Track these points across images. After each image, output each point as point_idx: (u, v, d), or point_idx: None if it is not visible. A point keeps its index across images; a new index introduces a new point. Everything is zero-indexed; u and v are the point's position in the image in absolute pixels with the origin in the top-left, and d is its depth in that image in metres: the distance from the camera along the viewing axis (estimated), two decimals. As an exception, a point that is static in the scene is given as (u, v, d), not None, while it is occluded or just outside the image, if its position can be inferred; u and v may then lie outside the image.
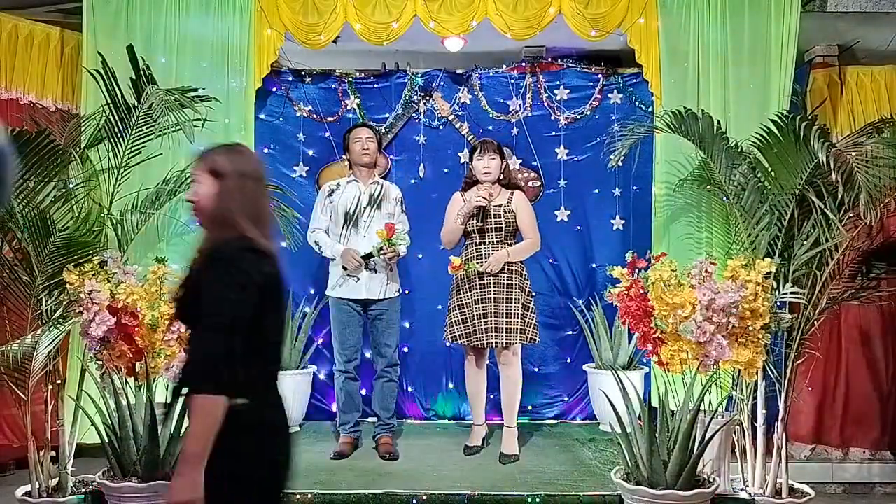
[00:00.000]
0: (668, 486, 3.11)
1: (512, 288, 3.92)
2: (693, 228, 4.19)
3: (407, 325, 4.93)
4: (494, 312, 3.90)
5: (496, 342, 3.90)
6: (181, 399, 1.94)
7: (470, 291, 3.96)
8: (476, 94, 5.03)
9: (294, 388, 4.62)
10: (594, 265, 5.02)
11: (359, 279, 4.05)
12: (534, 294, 4.12)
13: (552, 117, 5.01)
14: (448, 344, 4.19)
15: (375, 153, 4.21)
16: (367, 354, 4.47)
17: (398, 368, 4.22)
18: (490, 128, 4.98)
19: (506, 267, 3.93)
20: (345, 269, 4.06)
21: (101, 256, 3.44)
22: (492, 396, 4.34)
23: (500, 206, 3.98)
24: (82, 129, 3.81)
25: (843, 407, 4.47)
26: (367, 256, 4.01)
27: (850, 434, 4.47)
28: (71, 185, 3.65)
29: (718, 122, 3.82)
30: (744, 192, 3.67)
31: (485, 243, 3.97)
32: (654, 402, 3.36)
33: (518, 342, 3.94)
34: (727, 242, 3.99)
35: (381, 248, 3.95)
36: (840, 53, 4.74)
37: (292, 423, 4.56)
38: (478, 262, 3.92)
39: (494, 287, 3.91)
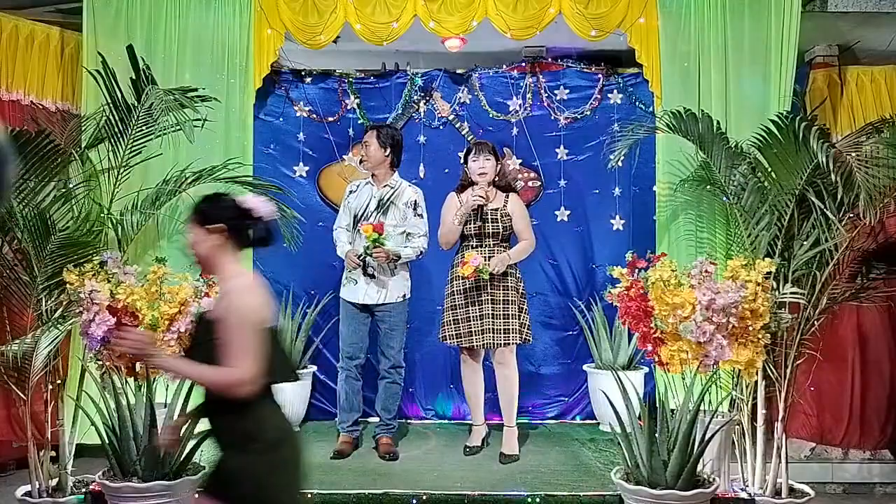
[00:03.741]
0: (668, 486, 3.11)
1: (509, 290, 3.94)
2: (693, 228, 4.19)
3: (407, 325, 4.93)
4: (492, 314, 3.91)
5: (493, 343, 3.92)
6: None
7: (466, 293, 3.96)
8: (476, 94, 5.03)
9: (294, 388, 4.62)
10: (594, 265, 5.01)
11: (357, 282, 4.06)
12: (527, 295, 4.12)
13: (552, 117, 5.01)
14: (440, 342, 4.20)
15: (376, 158, 4.10)
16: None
17: (402, 371, 4.18)
18: (490, 128, 4.98)
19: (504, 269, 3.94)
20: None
21: (101, 256, 3.43)
22: (489, 395, 4.34)
23: (496, 209, 3.99)
24: (82, 129, 3.82)
25: (850, 407, 4.46)
26: (362, 257, 4.01)
27: (853, 434, 4.46)
28: (71, 185, 3.65)
29: (718, 122, 3.81)
30: (744, 192, 3.67)
31: (481, 246, 3.97)
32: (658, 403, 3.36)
33: (514, 343, 3.95)
34: (727, 242, 3.98)
35: (369, 248, 3.93)
36: (840, 53, 4.74)
37: (292, 424, 4.61)
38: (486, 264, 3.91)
39: (492, 289, 3.92)
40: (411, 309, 4.90)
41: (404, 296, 4.12)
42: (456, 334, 3.98)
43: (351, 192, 4.22)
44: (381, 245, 3.91)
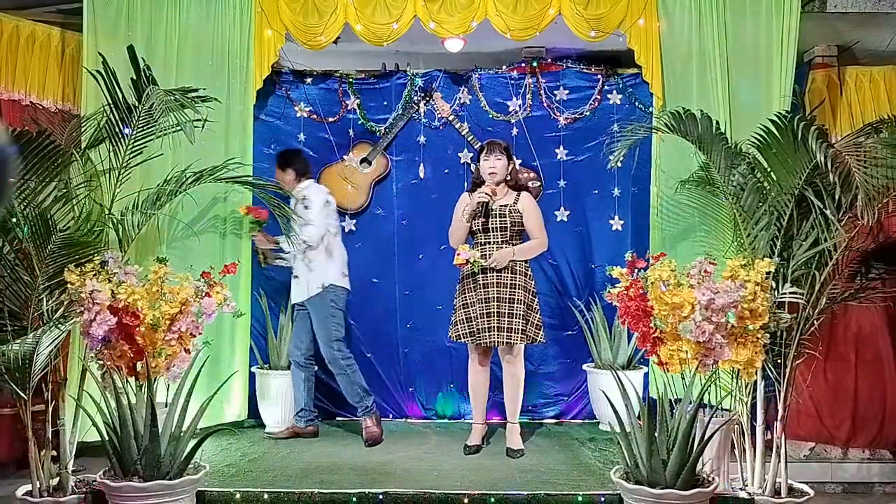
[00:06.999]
0: (668, 485, 3.12)
1: (516, 288, 3.95)
2: (693, 229, 4.19)
3: (407, 325, 4.95)
4: (497, 312, 3.93)
5: (498, 341, 3.94)
6: None
7: (474, 290, 3.99)
8: (476, 94, 5.03)
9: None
10: (594, 265, 5.02)
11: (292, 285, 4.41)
12: (538, 294, 4.13)
13: (552, 118, 5.02)
14: (449, 342, 4.22)
15: (285, 182, 4.44)
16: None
17: (342, 361, 4.32)
18: (490, 128, 4.99)
19: (510, 266, 3.97)
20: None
21: (102, 256, 3.44)
22: (491, 395, 4.35)
23: (505, 206, 4.02)
24: (83, 129, 3.82)
25: (849, 407, 4.46)
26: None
27: (854, 434, 4.46)
28: (72, 186, 3.65)
29: (717, 122, 3.82)
30: (743, 192, 3.67)
31: (489, 243, 4.01)
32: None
33: (519, 342, 3.97)
34: (727, 242, 3.99)
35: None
36: (839, 54, 4.75)
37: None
38: (482, 258, 3.95)
39: (498, 287, 3.95)
40: (411, 308, 4.93)
41: (322, 284, 4.29)
42: (467, 332, 4.02)
43: None
44: (255, 228, 4.33)
